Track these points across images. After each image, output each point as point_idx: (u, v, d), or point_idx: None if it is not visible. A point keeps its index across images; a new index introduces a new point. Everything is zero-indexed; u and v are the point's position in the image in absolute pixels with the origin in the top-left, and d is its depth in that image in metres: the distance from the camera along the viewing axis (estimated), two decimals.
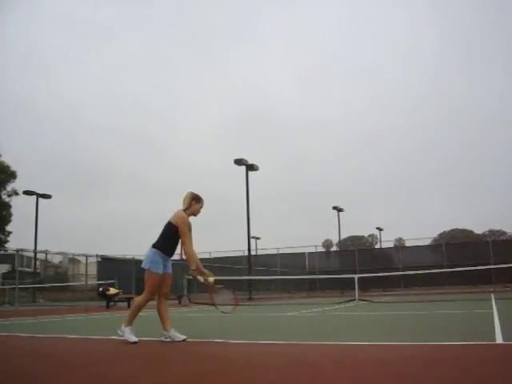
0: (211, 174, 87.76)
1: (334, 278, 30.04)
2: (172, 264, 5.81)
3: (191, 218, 5.74)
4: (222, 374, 3.53)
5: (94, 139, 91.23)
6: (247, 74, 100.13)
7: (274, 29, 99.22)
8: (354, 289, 19.57)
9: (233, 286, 16.54)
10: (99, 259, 27.74)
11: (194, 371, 3.68)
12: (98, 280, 26.37)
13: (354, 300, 18.28)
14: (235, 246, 43.85)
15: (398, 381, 3.15)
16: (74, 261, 39.44)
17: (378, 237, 50.01)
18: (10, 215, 38.37)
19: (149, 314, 8.06)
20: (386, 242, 52.80)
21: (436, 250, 38.75)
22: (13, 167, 38.31)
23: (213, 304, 6.22)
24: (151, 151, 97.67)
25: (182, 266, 22.70)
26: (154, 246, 5.62)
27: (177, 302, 19.40)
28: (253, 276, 27.28)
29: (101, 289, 18.02)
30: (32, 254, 33.53)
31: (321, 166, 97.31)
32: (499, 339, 5.09)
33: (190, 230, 5.70)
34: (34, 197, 32.59)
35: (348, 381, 3.20)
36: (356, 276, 20.50)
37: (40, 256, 35.62)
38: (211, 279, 5.63)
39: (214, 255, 38.36)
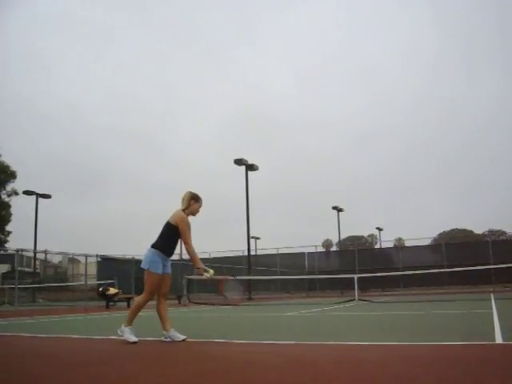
0: (211, 174, 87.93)
1: (334, 278, 30.02)
2: (171, 264, 5.83)
3: (190, 218, 5.75)
4: (222, 374, 3.53)
5: (94, 139, 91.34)
6: (247, 74, 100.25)
7: (274, 29, 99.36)
8: (354, 289, 19.57)
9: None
10: (99, 259, 27.78)
11: (194, 371, 3.68)
12: (98, 280, 26.38)
13: (354, 300, 18.28)
14: (235, 246, 43.96)
15: (398, 381, 3.16)
16: (73, 261, 39.39)
17: (378, 237, 50.09)
18: (10, 215, 38.34)
19: (148, 314, 8.06)
20: (386, 242, 52.93)
21: (436, 250, 38.72)
22: (13, 167, 38.31)
23: (223, 295, 6.36)
24: (151, 151, 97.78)
25: (182, 266, 22.78)
26: (154, 246, 5.63)
27: (176, 301, 19.40)
28: (252, 276, 27.29)
29: (101, 289, 18.02)
30: (32, 254, 33.52)
31: (320, 165, 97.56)
32: (499, 339, 5.09)
33: (189, 229, 5.70)
34: (34, 197, 32.61)
35: (348, 381, 3.20)
36: (356, 276, 20.51)
37: (40, 256, 35.56)
38: (211, 272, 5.73)
39: (213, 255, 38.32)
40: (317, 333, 6.97)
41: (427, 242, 41.35)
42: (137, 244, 70.75)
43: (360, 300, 18.05)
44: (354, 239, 66.81)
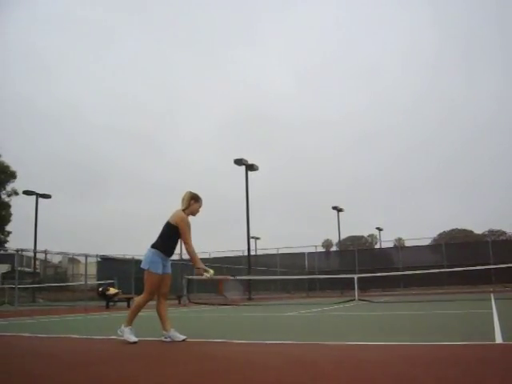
0: (211, 174, 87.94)
1: (334, 278, 30.00)
2: (171, 264, 5.83)
3: (190, 218, 5.75)
4: (222, 374, 3.53)
5: (94, 139, 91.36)
6: (247, 74, 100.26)
7: (274, 29, 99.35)
8: (354, 289, 19.57)
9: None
10: (99, 259, 27.79)
11: (194, 371, 3.68)
12: (98, 280, 26.38)
13: (354, 300, 18.28)
14: (235, 246, 43.98)
15: (398, 381, 3.16)
16: (73, 261, 39.37)
17: (378, 237, 50.15)
18: (10, 215, 38.35)
19: (148, 314, 8.06)
20: (386, 242, 53.07)
21: (436, 250, 38.71)
22: (13, 167, 38.31)
23: (223, 295, 6.38)
24: (151, 151, 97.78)
25: (182, 266, 22.77)
26: (154, 246, 5.63)
27: (176, 301, 19.40)
28: (252, 276, 27.29)
29: (100, 289, 18.02)
30: (32, 254, 33.53)
31: (320, 165, 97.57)
32: (499, 339, 5.09)
33: (189, 229, 5.70)
34: (34, 197, 32.61)
35: (348, 381, 3.20)
36: (356, 276, 20.51)
37: (40, 256, 35.55)
38: (211, 272, 5.74)
39: (213, 255, 38.31)
40: (317, 333, 6.97)
41: (427, 242, 41.37)
42: (137, 244, 70.81)
43: (360, 300, 18.05)
44: (354, 239, 66.82)
